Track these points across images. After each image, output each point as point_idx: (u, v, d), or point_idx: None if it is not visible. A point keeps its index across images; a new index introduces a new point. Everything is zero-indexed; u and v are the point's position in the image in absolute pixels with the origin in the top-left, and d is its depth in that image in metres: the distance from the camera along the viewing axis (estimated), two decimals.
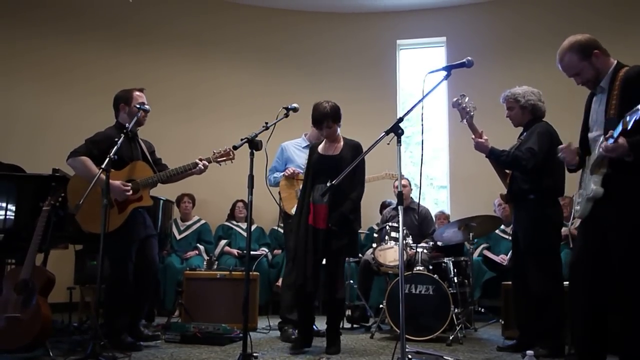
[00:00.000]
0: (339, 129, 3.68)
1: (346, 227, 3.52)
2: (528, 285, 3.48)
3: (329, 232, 3.48)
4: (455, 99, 3.67)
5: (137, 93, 3.72)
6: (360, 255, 6.02)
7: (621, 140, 2.39)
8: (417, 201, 3.22)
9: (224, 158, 3.74)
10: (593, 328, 2.63)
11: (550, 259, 3.44)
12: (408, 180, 5.59)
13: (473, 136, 3.59)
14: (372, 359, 3.40)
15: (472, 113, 3.64)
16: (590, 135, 2.72)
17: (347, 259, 5.12)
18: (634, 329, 2.48)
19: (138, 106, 3.61)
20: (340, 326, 3.81)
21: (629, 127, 2.23)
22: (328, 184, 3.22)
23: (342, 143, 3.68)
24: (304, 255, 3.48)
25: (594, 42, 2.65)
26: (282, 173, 4.35)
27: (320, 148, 3.72)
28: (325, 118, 3.56)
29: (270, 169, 4.31)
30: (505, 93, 3.70)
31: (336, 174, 3.33)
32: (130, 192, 3.50)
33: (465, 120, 3.65)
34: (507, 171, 3.67)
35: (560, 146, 2.83)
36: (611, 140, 2.41)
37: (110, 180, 3.27)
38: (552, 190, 3.51)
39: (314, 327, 4.10)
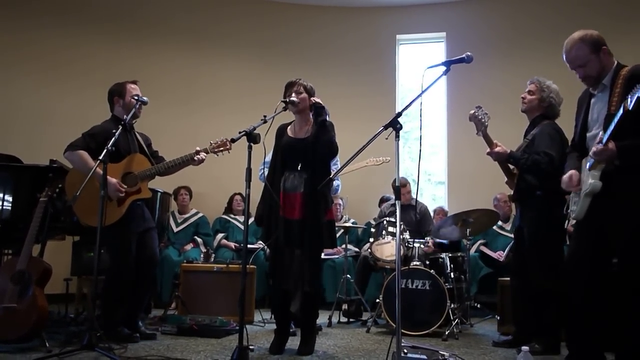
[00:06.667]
0: (311, 115, 3.41)
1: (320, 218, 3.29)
2: (528, 281, 3.49)
3: (303, 223, 3.24)
4: (472, 112, 3.65)
5: (131, 85, 3.70)
6: (357, 249, 6.05)
7: (610, 144, 2.41)
8: (415, 197, 3.19)
9: (221, 148, 3.74)
10: (589, 325, 2.64)
11: (553, 255, 3.44)
12: (406, 179, 5.53)
13: (488, 150, 3.59)
14: (368, 353, 3.41)
15: (486, 124, 3.64)
16: (589, 134, 2.72)
17: (345, 252, 5.14)
18: (633, 326, 2.48)
19: (137, 97, 3.60)
20: (316, 323, 3.49)
21: (630, 107, 2.22)
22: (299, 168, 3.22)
23: (312, 124, 3.42)
24: (290, 255, 3.28)
25: (603, 40, 2.69)
26: None
27: (289, 130, 3.47)
28: (296, 83, 3.42)
29: (267, 163, 3.67)
30: (537, 77, 3.66)
31: (306, 158, 3.26)
32: (124, 194, 3.49)
33: (480, 132, 3.66)
34: (514, 171, 3.66)
35: (566, 178, 2.77)
36: (600, 145, 2.42)
37: (108, 177, 3.26)
38: (559, 188, 3.51)
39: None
